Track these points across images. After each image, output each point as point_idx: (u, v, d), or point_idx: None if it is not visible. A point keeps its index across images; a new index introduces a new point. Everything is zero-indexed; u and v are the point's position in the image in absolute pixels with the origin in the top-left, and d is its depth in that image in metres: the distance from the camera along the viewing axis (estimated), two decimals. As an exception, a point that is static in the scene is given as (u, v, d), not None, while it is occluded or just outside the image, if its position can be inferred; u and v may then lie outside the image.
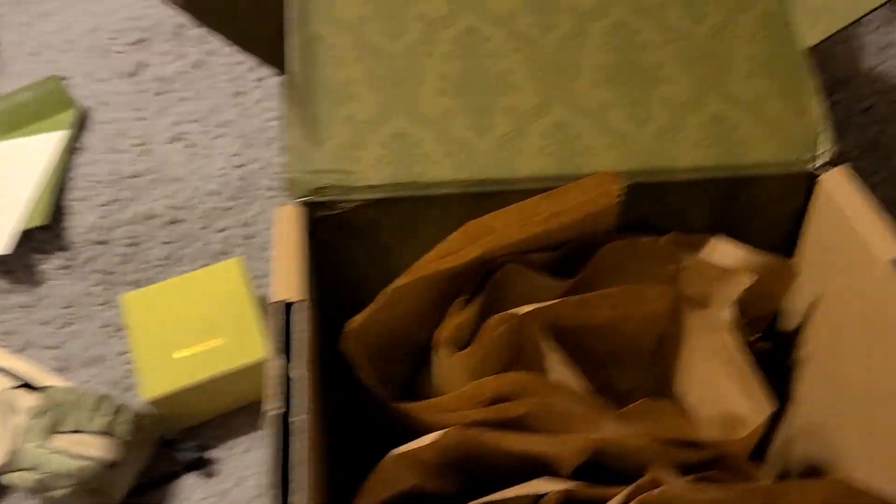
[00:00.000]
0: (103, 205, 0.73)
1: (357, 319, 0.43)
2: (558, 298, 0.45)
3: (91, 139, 0.77)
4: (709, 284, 0.46)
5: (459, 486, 0.43)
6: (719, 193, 0.48)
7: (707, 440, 0.39)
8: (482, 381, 0.41)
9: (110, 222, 0.73)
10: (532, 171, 0.46)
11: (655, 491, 0.35)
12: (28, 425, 0.58)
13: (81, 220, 0.73)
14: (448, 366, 0.43)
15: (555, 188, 0.45)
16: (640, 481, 0.36)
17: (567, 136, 0.47)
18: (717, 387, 0.45)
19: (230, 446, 0.64)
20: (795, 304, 0.49)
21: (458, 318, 0.44)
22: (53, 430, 0.58)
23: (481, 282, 0.46)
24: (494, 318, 0.43)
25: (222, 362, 0.62)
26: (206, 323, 0.64)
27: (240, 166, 0.76)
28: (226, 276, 0.67)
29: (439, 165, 0.46)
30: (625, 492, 0.36)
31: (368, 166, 0.46)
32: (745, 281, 0.46)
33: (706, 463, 0.40)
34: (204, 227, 0.74)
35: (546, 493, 0.38)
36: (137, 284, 0.72)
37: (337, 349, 0.45)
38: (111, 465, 0.57)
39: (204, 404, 0.64)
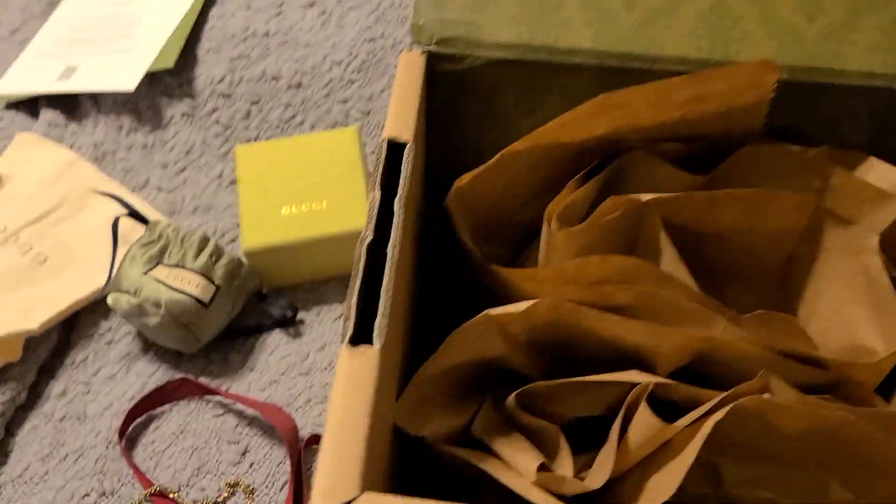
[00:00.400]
0: (233, 59, 0.73)
1: (466, 177, 0.41)
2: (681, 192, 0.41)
3: (230, -6, 0.77)
4: (859, 206, 0.41)
5: (543, 372, 0.41)
6: (885, 107, 0.42)
7: (831, 359, 0.35)
8: (587, 260, 0.38)
9: (237, 77, 0.73)
10: (679, 51, 0.42)
11: (764, 395, 0.32)
12: (134, 252, 0.60)
13: (210, 71, 0.73)
14: (555, 241, 0.40)
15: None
16: (747, 384, 0.33)
17: (725, 18, 0.42)
18: (847, 315, 0.40)
19: (318, 312, 0.64)
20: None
21: (573, 195, 0.41)
22: (157, 260, 0.59)
23: (603, 162, 0.43)
24: (612, 201, 0.40)
25: (324, 225, 0.62)
26: (314, 185, 0.64)
27: (370, 40, 0.74)
28: (342, 143, 0.66)
29: (578, 32, 0.42)
30: (729, 392, 0.33)
31: (501, 22, 0.43)
32: (901, 208, 0.41)
33: (824, 387, 0.36)
34: (326, 96, 0.73)
35: (638, 384, 0.36)
36: (255, 141, 0.72)
37: (438, 215, 0.43)
38: (204, 305, 0.58)
39: (299, 265, 0.63)
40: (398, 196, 0.34)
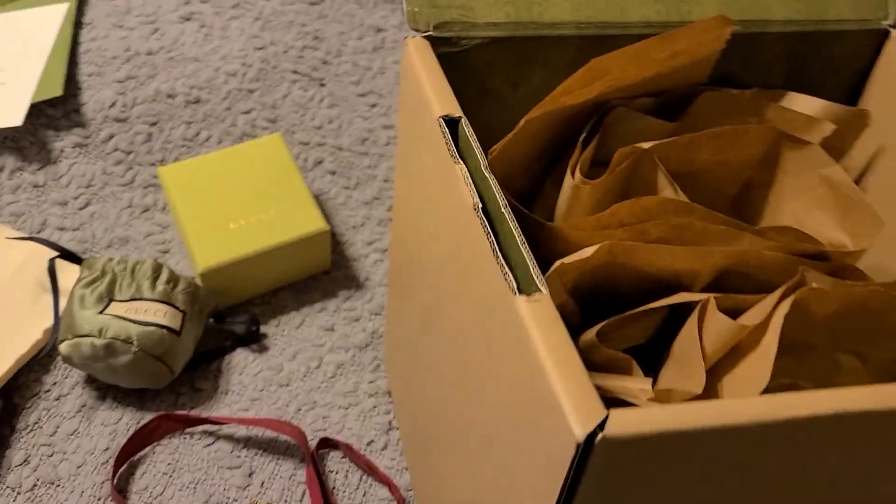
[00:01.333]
0: (120, 81, 0.69)
1: (499, 146, 0.44)
2: (667, 138, 0.47)
3: (96, 14, 0.72)
4: (795, 132, 0.49)
5: (582, 319, 0.45)
6: (802, 49, 0.51)
7: (832, 251, 0.42)
8: (620, 205, 0.42)
9: (128, 100, 0.69)
10: (643, 16, 0.48)
11: (812, 285, 0.38)
12: (81, 293, 0.55)
13: (97, 96, 0.68)
14: (581, 194, 0.44)
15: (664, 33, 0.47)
16: (790, 283, 0.39)
17: (673, -15, 0.48)
18: (809, 225, 0.48)
19: (279, 322, 0.63)
20: (855, 158, 0.54)
21: (585, 153, 0.45)
22: (108, 298, 0.55)
23: (595, 123, 0.47)
24: (620, 152, 0.45)
25: (278, 233, 0.61)
26: (255, 195, 0.62)
27: (261, 48, 0.73)
28: (269, 150, 0.65)
29: (558, 7, 0.47)
30: (779, 291, 0.39)
31: (488, 4, 0.46)
32: (828, 128, 0.49)
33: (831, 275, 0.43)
34: (228, 109, 0.71)
35: (694, 302, 0.41)
36: (162, 164, 0.68)
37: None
38: (176, 334, 0.55)
39: (254, 278, 0.62)
40: (482, 165, 0.36)
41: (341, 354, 0.62)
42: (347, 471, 0.56)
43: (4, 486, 0.53)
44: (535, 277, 0.31)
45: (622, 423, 0.26)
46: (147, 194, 0.67)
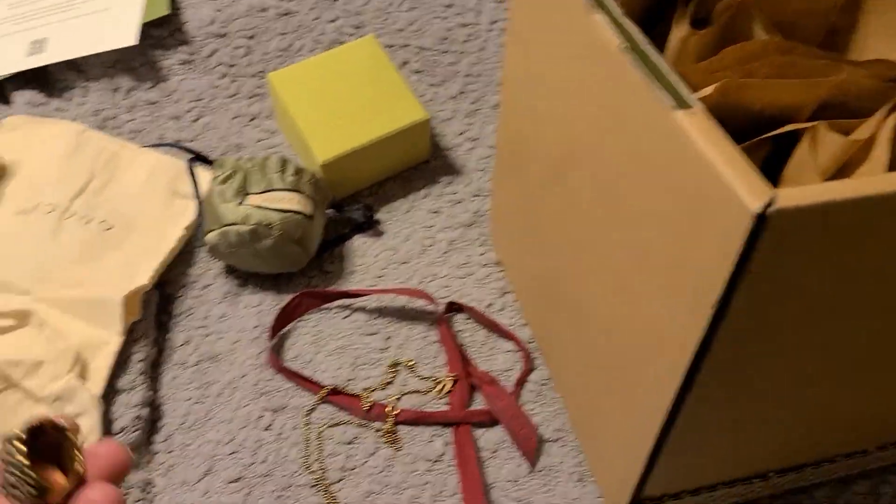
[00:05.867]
0: (215, -1, 0.74)
1: (610, 7, 0.48)
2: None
3: (183, -61, 0.76)
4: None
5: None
6: None
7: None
8: (728, 49, 0.47)
9: (226, 16, 0.73)
10: None
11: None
12: (220, 189, 0.61)
13: (197, 15, 0.73)
14: (689, 44, 0.49)
15: None
16: (894, 101, 0.44)
17: None
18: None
19: (389, 209, 0.68)
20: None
21: (689, 6, 0.49)
22: (244, 191, 0.61)
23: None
24: (722, 3, 0.49)
25: (387, 124, 0.66)
26: (359, 92, 0.67)
27: (339, -42, 0.77)
28: (365, 52, 0.69)
29: None
30: (884, 108, 0.43)
31: None
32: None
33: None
34: (316, 19, 0.75)
35: (801, 131, 0.45)
36: (261, 75, 0.73)
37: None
38: (309, 218, 0.61)
39: (365, 169, 0.67)
40: (618, 14, 0.41)
41: (450, 233, 0.67)
42: (473, 330, 0.62)
43: (173, 363, 0.60)
44: (686, 96, 0.36)
45: (791, 197, 0.31)
46: (252, 104, 0.72)
